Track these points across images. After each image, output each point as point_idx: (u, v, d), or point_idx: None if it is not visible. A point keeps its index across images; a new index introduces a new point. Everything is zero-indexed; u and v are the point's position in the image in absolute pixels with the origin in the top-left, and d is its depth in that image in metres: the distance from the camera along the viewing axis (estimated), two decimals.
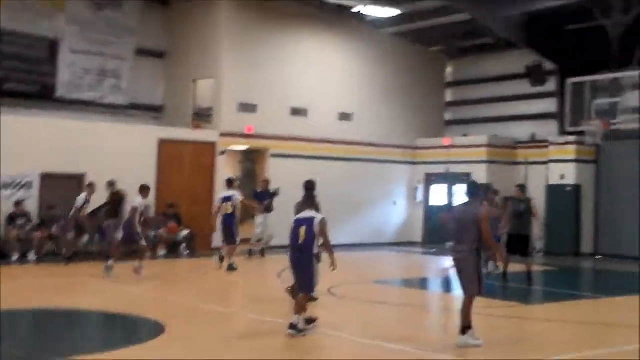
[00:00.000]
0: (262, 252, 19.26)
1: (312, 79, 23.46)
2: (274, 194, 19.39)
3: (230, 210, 16.15)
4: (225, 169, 22.24)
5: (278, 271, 15.81)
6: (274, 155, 22.57)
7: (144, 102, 22.80)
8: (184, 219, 19.96)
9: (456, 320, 9.39)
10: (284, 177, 22.13)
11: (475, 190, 9.83)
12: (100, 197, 17.28)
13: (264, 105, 22.29)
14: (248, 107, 22.00)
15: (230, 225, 16.12)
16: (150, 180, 19.82)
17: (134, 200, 15.24)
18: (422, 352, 8.67)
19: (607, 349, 9.16)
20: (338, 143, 23.91)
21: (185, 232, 19.70)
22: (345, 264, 14.28)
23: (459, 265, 9.23)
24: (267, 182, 19.87)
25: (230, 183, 17.09)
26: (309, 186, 11.38)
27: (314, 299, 11.22)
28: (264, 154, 22.92)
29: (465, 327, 8.95)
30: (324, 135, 23.56)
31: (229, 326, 10.52)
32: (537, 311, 12.47)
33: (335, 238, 17.69)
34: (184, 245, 19.66)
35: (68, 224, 17.02)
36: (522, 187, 16.21)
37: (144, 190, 15.18)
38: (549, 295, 14.95)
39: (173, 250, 19.55)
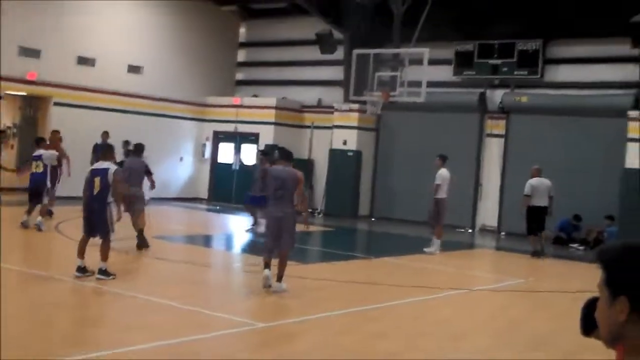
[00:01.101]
0: None
1: (101, 29, 22.64)
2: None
3: (40, 169, 15.23)
4: (3, 114, 21.07)
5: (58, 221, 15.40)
6: (58, 104, 21.65)
7: None
8: None
9: (236, 278, 9.65)
10: (68, 127, 21.42)
11: (289, 154, 10.50)
12: None
13: (48, 51, 21.26)
14: (30, 52, 20.89)
15: (40, 184, 15.05)
16: None
17: None
18: (195, 309, 8.83)
19: (371, 306, 9.85)
20: (126, 95, 23.36)
21: None
22: (127, 217, 14.14)
23: (280, 223, 9.84)
24: (107, 134, 19.06)
25: (38, 142, 16.05)
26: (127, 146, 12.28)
27: (147, 245, 12.65)
28: (47, 101, 21.89)
29: (280, 276, 9.88)
30: (111, 87, 22.90)
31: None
32: (313, 270, 13.07)
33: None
34: None
35: None
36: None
37: None
38: (325, 255, 15.72)
39: None
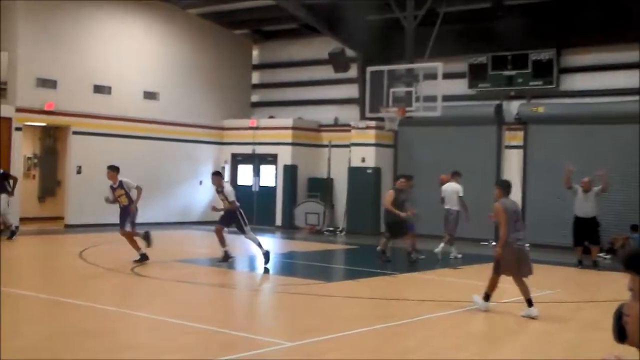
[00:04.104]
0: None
1: (116, 57, 22.88)
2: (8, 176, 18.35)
3: None
4: (23, 145, 21.32)
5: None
6: (76, 133, 21.85)
7: None
8: None
9: (263, 298, 9.61)
10: (87, 155, 21.71)
11: (507, 185, 10.88)
12: None
13: (65, 81, 21.49)
14: (47, 83, 21.12)
15: None
16: None
17: None
18: (224, 330, 8.81)
19: (400, 321, 9.76)
20: (143, 122, 23.54)
21: None
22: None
23: (524, 251, 10.35)
24: None
25: None
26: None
27: None
28: (66, 131, 22.12)
29: (488, 294, 10.42)
30: (128, 114, 23.10)
31: (27, 307, 10.19)
32: (338, 288, 12.94)
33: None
34: None
35: None
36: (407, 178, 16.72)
37: None
38: (350, 273, 15.66)
39: None
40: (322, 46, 24.24)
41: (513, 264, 10.13)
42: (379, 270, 15.04)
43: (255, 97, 27.74)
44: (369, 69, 20.00)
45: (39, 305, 10.29)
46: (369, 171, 23.47)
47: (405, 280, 14.08)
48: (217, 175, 15.56)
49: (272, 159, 24.98)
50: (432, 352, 8.16)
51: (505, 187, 10.68)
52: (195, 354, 7.67)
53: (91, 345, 8.04)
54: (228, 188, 15.32)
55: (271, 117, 26.02)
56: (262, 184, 25.33)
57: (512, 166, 21.84)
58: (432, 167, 22.56)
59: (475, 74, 22.18)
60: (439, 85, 18.30)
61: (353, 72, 23.55)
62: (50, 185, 24.33)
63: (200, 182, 25.37)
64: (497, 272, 10.31)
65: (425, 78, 19.05)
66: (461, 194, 17.09)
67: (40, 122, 21.70)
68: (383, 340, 8.69)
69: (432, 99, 18.71)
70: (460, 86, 22.16)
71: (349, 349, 8.19)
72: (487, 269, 15.75)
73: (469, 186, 21.59)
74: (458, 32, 21.32)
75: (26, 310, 10.04)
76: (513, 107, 21.74)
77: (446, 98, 18.87)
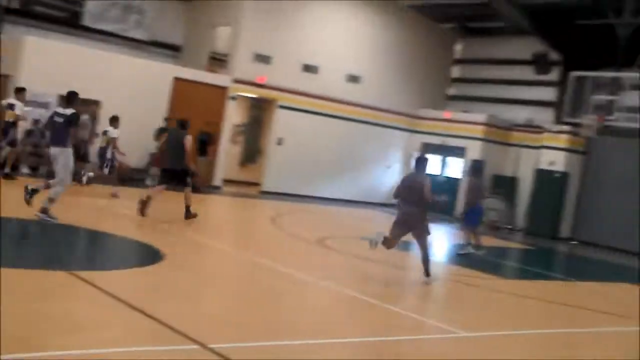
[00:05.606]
0: None
1: (326, 39, 24.04)
2: None
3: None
4: (234, 113, 23.06)
5: (272, 216, 16.51)
6: (282, 107, 23.28)
7: (164, 41, 23.52)
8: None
9: (434, 285, 10.05)
10: (289, 128, 23.08)
11: None
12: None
13: (278, 58, 22.89)
14: (263, 58, 22.60)
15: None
16: (160, 116, 20.32)
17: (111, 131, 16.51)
18: (397, 310, 9.05)
19: (574, 329, 9.72)
20: (343, 103, 24.62)
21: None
22: (337, 218, 14.86)
23: None
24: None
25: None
26: None
27: None
28: (272, 104, 23.61)
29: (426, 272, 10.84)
30: (331, 94, 24.25)
31: (226, 262, 11.04)
32: (514, 286, 12.98)
33: (328, 192, 18.37)
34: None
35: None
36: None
37: (114, 120, 16.45)
38: (525, 273, 15.62)
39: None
40: (523, 47, 24.20)
41: None
42: (556, 274, 14.86)
43: (451, 91, 28.12)
44: (573, 73, 19.82)
45: (233, 261, 11.17)
46: (557, 175, 23.28)
47: (584, 288, 13.78)
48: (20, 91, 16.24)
49: (460, 152, 25.33)
50: None
51: None
52: (364, 328, 7.96)
53: (265, 304, 8.37)
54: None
55: (465, 111, 26.33)
56: (447, 175, 25.72)
57: None
58: (623, 179, 21.95)
59: None
60: None
61: (551, 75, 23.31)
62: (252, 152, 26.13)
63: (389, 167, 26.20)
64: None
65: (630, 88, 18.66)
66: None
67: (251, 93, 23.36)
68: (554, 345, 8.57)
69: (635, 110, 18.30)
70: None
71: (519, 348, 8.13)
72: None
73: None
74: None
75: (221, 265, 10.84)
76: None
77: None
